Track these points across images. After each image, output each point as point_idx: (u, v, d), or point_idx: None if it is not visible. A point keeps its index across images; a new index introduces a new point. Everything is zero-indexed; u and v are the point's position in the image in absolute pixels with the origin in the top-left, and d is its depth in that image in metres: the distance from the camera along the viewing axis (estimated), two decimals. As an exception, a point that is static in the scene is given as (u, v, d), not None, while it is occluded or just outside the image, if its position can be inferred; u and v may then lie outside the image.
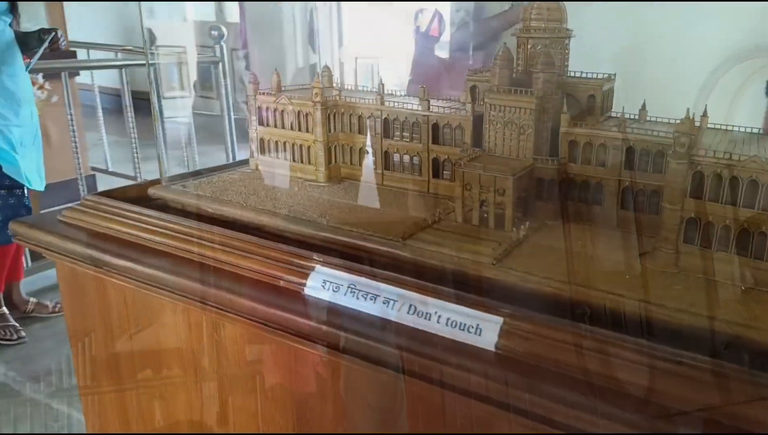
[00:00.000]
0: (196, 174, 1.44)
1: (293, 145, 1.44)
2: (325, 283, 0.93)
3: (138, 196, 1.31)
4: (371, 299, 0.88)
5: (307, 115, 1.39)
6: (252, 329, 0.96)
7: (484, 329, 0.80)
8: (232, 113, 3.79)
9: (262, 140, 1.48)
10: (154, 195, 1.32)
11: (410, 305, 0.85)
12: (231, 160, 1.43)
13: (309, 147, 1.41)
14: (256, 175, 1.46)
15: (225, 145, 3.90)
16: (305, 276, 0.95)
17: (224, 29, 3.76)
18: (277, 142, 1.46)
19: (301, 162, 1.43)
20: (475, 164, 1.13)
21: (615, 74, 1.23)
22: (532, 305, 0.84)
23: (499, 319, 0.80)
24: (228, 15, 5.02)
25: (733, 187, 0.93)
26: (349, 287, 0.91)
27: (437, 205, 1.25)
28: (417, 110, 1.31)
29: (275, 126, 1.45)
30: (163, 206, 1.29)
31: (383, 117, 1.36)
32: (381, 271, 0.92)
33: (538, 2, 1.21)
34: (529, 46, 1.23)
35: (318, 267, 0.96)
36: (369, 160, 1.40)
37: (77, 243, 1.13)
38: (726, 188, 0.93)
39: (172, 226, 1.10)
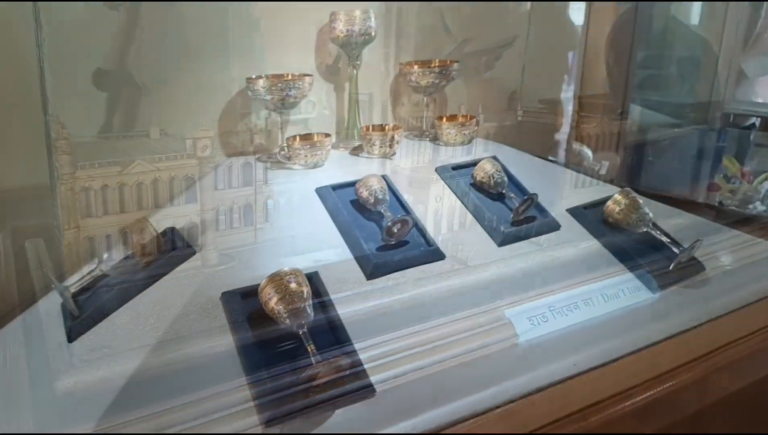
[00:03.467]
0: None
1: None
2: (532, 320, 0.86)
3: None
4: (575, 308, 0.91)
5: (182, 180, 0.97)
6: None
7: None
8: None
9: (91, 239, 0.91)
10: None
11: (600, 295, 0.94)
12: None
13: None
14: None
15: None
16: (509, 327, 0.85)
17: None
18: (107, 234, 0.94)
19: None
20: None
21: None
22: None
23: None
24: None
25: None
26: (550, 311, 0.89)
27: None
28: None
29: (110, 212, 0.93)
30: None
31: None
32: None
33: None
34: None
35: (505, 312, 0.86)
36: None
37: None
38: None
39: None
